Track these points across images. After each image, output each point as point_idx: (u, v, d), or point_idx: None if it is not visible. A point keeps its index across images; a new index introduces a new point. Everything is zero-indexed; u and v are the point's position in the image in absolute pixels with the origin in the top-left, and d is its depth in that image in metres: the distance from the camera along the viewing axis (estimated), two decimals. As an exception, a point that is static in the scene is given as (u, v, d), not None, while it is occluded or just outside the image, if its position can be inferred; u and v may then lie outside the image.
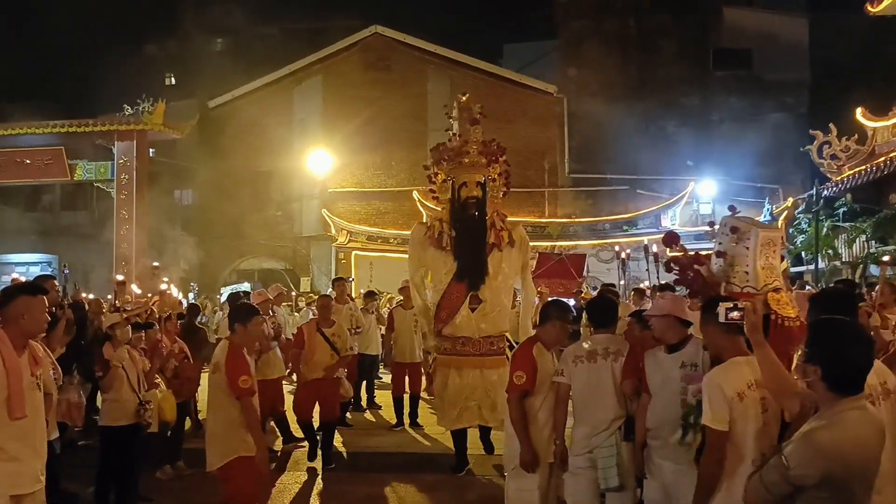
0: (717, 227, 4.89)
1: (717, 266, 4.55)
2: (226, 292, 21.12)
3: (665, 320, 4.83)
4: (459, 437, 8.22)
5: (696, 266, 4.73)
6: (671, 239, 5.26)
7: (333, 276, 18.55)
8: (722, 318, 3.57)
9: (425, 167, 8.81)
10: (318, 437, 8.79)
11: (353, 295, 15.31)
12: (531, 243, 23.28)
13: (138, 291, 9.40)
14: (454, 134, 8.70)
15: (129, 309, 7.79)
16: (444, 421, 8.33)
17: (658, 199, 22.13)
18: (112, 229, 18.86)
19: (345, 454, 9.12)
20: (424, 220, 8.85)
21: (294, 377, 9.88)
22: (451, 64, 23.88)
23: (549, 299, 6.64)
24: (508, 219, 8.52)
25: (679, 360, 5.03)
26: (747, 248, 4.44)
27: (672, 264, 4.95)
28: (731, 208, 4.82)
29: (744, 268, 4.44)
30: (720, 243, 4.61)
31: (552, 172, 23.99)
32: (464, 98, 8.81)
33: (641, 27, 24.38)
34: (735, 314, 3.50)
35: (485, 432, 8.46)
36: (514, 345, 15.27)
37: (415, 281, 8.80)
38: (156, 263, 15.01)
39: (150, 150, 20.72)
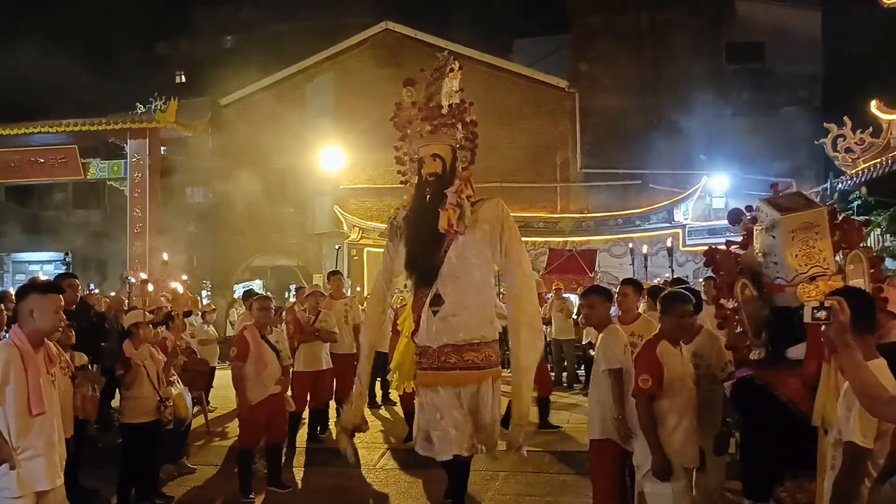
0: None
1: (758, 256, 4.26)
2: (238, 289, 21.23)
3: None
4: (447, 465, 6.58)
5: (731, 249, 4.45)
6: (735, 217, 4.79)
7: (346, 273, 18.59)
8: (807, 319, 3.23)
9: (395, 147, 7.06)
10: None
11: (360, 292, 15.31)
12: (543, 238, 23.26)
13: (152, 289, 9.24)
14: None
15: (151, 309, 7.80)
16: (417, 444, 6.54)
17: (670, 194, 22.03)
18: (123, 227, 18.93)
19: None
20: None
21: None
22: (462, 59, 23.32)
23: (669, 290, 5.61)
24: (470, 194, 6.41)
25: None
26: (774, 237, 4.12)
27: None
28: (749, 208, 4.51)
29: (773, 258, 4.13)
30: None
31: (564, 168, 23.91)
32: (441, 55, 6.91)
33: (654, 21, 24.30)
34: (822, 314, 3.14)
35: (461, 468, 6.57)
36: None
37: (377, 281, 7.10)
38: (165, 256, 15.07)
39: (162, 148, 20.79)
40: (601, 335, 5.60)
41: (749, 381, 4.12)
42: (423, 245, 6.35)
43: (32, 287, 4.52)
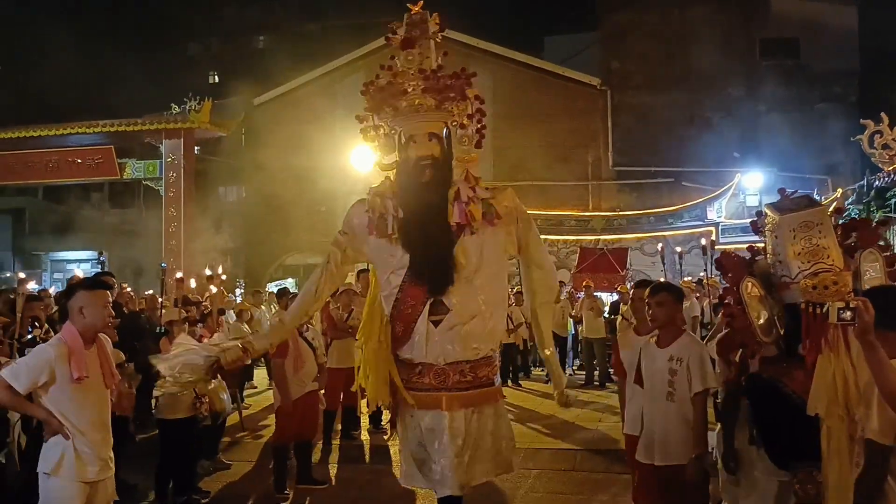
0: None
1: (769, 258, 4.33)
2: (271, 288, 21.41)
3: None
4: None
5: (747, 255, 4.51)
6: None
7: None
8: (833, 319, 3.20)
9: (358, 118, 5.65)
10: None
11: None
12: (575, 237, 23.14)
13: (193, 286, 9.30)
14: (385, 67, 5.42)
15: (190, 306, 7.92)
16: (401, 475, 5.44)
17: (704, 192, 21.87)
18: (158, 226, 19.18)
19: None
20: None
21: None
22: (493, 58, 23.79)
23: None
24: (484, 184, 5.24)
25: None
26: (777, 238, 4.17)
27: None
28: (781, 191, 4.52)
29: (778, 258, 4.17)
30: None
31: (596, 166, 23.84)
32: (415, 8, 5.35)
33: (685, 17, 24.07)
34: (847, 314, 3.12)
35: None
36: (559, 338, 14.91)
37: (328, 266, 5.39)
38: (209, 272, 15.21)
39: (196, 148, 21.04)
40: (683, 341, 5.10)
41: (757, 377, 4.15)
42: (428, 244, 5.10)
43: (79, 285, 4.69)
